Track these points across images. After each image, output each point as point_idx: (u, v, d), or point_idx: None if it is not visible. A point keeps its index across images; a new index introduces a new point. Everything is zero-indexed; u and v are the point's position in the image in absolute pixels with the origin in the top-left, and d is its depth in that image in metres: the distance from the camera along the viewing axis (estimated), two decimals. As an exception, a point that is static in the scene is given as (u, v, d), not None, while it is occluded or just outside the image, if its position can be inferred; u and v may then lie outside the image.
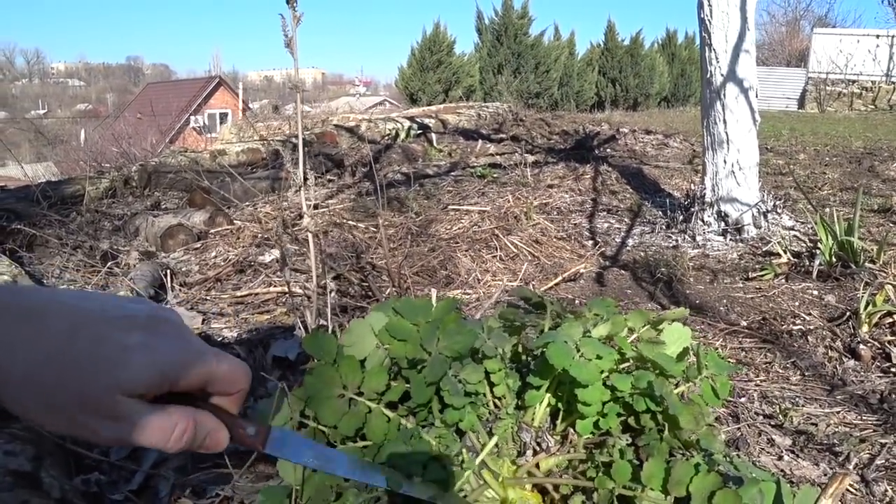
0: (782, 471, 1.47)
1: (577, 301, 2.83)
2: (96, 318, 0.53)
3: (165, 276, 3.12)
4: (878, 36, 19.18)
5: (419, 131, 7.51)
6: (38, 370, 0.50)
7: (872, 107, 18.62)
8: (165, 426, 0.54)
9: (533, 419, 1.18)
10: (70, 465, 1.31)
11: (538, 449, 1.17)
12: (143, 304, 0.58)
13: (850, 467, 1.47)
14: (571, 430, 1.20)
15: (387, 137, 7.16)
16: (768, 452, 1.55)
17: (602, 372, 1.13)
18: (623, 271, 3.30)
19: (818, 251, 3.20)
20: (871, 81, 19.19)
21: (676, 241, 3.91)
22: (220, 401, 0.61)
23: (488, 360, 1.13)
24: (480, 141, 7.03)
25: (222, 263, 3.40)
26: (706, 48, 4.03)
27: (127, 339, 0.52)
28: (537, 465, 1.15)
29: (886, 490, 1.39)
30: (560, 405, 1.19)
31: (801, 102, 20.15)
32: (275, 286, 2.97)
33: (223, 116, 29.33)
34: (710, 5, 3.93)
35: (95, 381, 0.51)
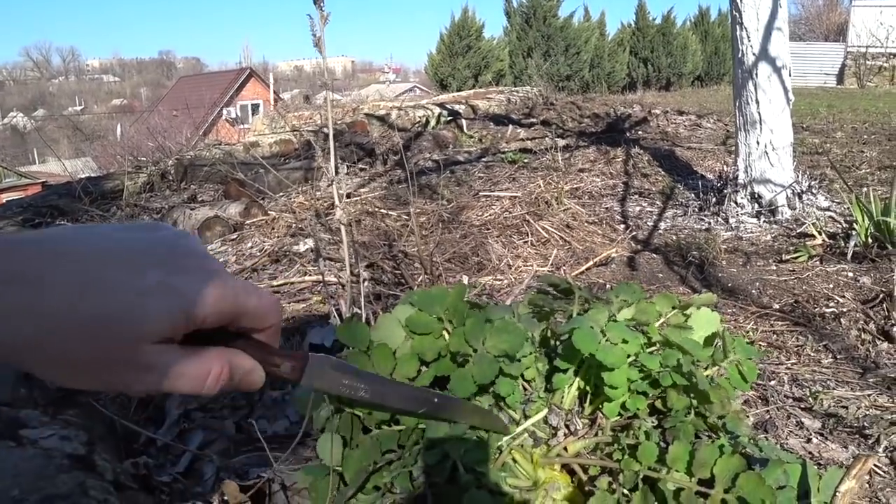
0: (810, 453, 1.48)
1: (607, 286, 2.84)
2: (105, 260, 0.48)
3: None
4: (920, 7, 18.60)
5: (449, 118, 7.53)
6: (49, 339, 0.46)
7: (915, 81, 18.09)
8: (199, 372, 0.51)
9: (562, 402, 1.22)
10: (120, 449, 1.38)
11: (567, 432, 1.20)
12: (161, 233, 0.53)
13: (880, 450, 1.48)
14: (599, 413, 1.23)
15: (417, 125, 7.19)
16: (797, 435, 1.57)
17: (628, 356, 1.15)
18: (654, 255, 3.30)
19: (854, 232, 3.16)
20: (914, 55, 18.64)
21: (709, 223, 3.89)
22: (255, 336, 0.57)
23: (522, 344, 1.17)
24: (511, 126, 7.02)
25: (258, 254, 3.47)
26: (737, 27, 3.97)
27: (142, 282, 0.48)
28: (565, 448, 1.18)
29: (916, 471, 1.39)
30: (588, 388, 1.22)
31: (840, 78, 19.65)
32: (310, 275, 3.03)
33: (255, 107, 29.62)
34: (740, -17, 3.88)
35: (115, 337, 0.47)
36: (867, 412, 1.68)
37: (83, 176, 5.94)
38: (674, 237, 3.60)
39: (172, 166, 5.41)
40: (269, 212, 4.17)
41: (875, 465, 1.41)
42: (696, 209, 4.14)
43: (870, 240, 3.09)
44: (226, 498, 1.12)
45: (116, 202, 4.75)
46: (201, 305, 0.50)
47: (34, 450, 1.13)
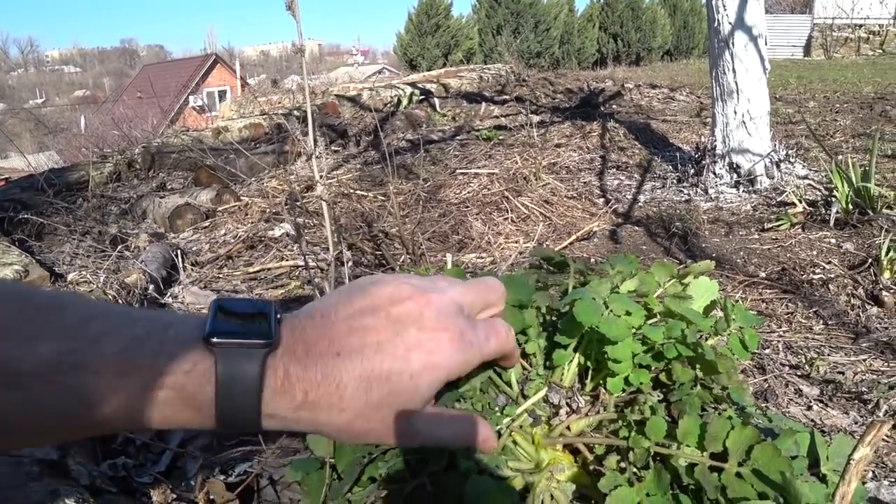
0: (812, 421, 1.45)
1: (592, 260, 2.80)
2: (376, 364, 0.50)
3: (176, 256, 3.11)
4: (884, -23, 18.77)
5: (421, 97, 7.42)
6: (349, 427, 0.51)
7: (880, 51, 18.26)
8: (471, 431, 0.58)
9: (562, 379, 1.16)
10: (96, 451, 1.30)
11: (569, 410, 1.15)
12: (383, 307, 0.53)
13: (881, 414, 1.46)
14: (601, 390, 1.18)
15: (389, 105, 7.08)
16: (797, 403, 1.54)
17: (631, 328, 1.10)
18: (637, 228, 3.27)
19: (834, 199, 3.15)
20: (879, 25, 18.81)
21: (688, 194, 3.87)
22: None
23: (526, 310, 1.12)
24: (484, 103, 6.94)
25: (232, 240, 3.38)
26: (712, -4, 3.93)
27: (410, 367, 0.51)
28: (568, 427, 1.13)
29: (920, 435, 1.37)
30: (589, 364, 1.17)
31: (807, 50, 19.80)
32: (287, 260, 2.95)
33: (222, 94, 29.12)
34: (714, -49, 3.83)
35: (395, 413, 0.51)
36: (864, 377, 1.66)
37: (46, 169, 5.75)
38: (654, 209, 3.57)
39: (139, 154, 5.26)
40: (242, 197, 4.06)
41: (879, 431, 1.38)
42: (675, 181, 4.11)
43: (850, 206, 3.08)
44: (212, 497, 1.06)
45: (82, 193, 4.60)
46: (458, 371, 0.54)
47: (1, 457, 1.05)
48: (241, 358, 0.46)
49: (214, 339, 0.45)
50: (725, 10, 3.87)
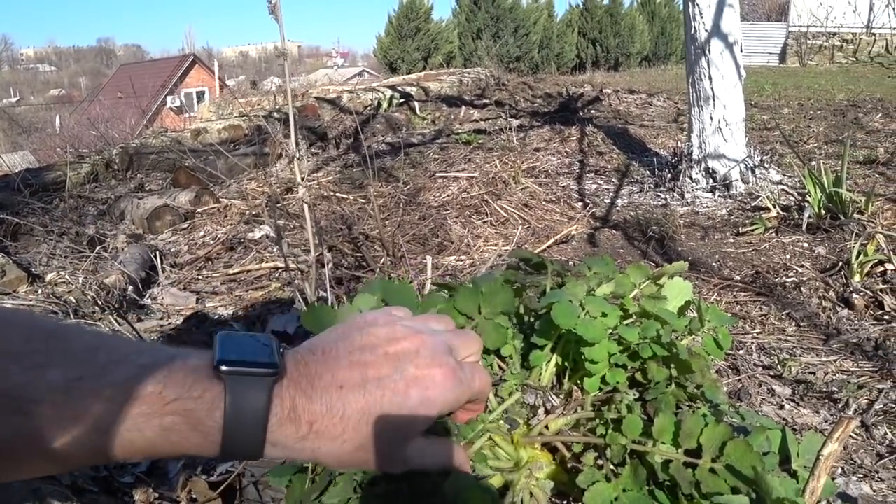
0: (784, 419, 1.49)
1: (570, 262, 2.83)
2: (378, 398, 0.52)
3: (155, 257, 3.09)
4: (858, -13, 19.09)
5: (401, 100, 7.43)
6: (347, 457, 0.53)
7: (853, 59, 18.57)
8: (452, 456, 0.64)
9: (540, 379, 1.19)
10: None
11: (546, 410, 1.17)
12: (404, 343, 0.56)
13: (850, 413, 1.49)
14: (577, 389, 1.21)
15: (369, 108, 7.09)
16: (769, 402, 1.57)
17: (607, 329, 1.13)
18: (614, 231, 3.31)
19: (807, 204, 3.21)
20: (852, 34, 19.13)
21: (665, 199, 3.92)
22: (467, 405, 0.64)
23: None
24: (464, 107, 6.98)
25: (211, 242, 3.37)
26: (689, 3, 3.99)
27: (409, 402, 0.53)
28: (546, 426, 1.15)
29: (886, 433, 1.41)
30: (566, 364, 1.19)
31: (783, 57, 20.09)
32: (267, 262, 2.95)
33: (200, 95, 28.89)
34: (691, -41, 3.89)
35: (392, 441, 0.54)
36: (834, 377, 1.70)
37: (22, 168, 5.68)
38: (632, 213, 3.61)
39: (117, 155, 5.22)
40: (221, 199, 4.05)
41: (847, 429, 1.42)
42: (652, 185, 4.17)
43: (823, 211, 3.14)
44: (194, 496, 1.06)
45: (59, 194, 4.55)
46: (450, 408, 0.57)
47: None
48: (249, 386, 0.47)
49: (224, 368, 0.47)
50: (702, 17, 3.94)
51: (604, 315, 1.11)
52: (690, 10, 3.99)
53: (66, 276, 2.73)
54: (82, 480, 1.09)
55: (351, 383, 0.52)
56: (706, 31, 3.94)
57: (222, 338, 0.50)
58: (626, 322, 1.23)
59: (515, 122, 5.92)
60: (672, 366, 1.16)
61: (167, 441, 0.46)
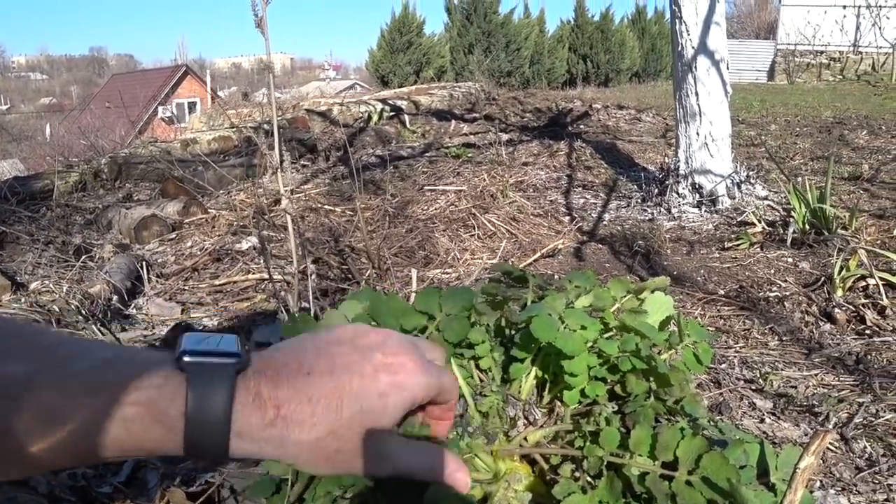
0: (764, 433, 1.50)
1: (556, 276, 2.84)
2: (346, 382, 0.52)
3: (141, 267, 3.08)
4: (844, 7, 19.29)
5: (392, 113, 7.46)
6: (321, 448, 0.51)
7: (840, 77, 18.77)
8: (431, 461, 0.59)
9: (519, 392, 1.19)
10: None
11: (526, 422, 1.17)
12: (373, 337, 0.57)
13: (830, 426, 1.51)
14: (558, 402, 1.21)
15: (359, 121, 7.10)
16: (750, 416, 1.58)
17: (587, 342, 1.13)
18: (601, 245, 3.33)
19: (792, 219, 3.24)
20: (839, 52, 19.34)
21: (652, 214, 3.94)
22: (437, 411, 0.63)
23: (472, 330, 1.14)
24: (454, 121, 7.00)
25: (198, 253, 3.36)
26: (677, 21, 4.04)
27: (379, 385, 0.52)
28: (525, 438, 1.15)
29: (865, 447, 1.42)
30: (546, 377, 1.20)
31: (771, 74, 20.31)
32: (253, 273, 2.95)
33: (192, 106, 28.88)
34: (679, -22, 3.94)
35: (365, 433, 0.52)
36: (815, 391, 1.71)
37: (9, 176, 5.65)
38: (619, 228, 3.63)
39: (106, 164, 5.20)
40: (210, 210, 4.04)
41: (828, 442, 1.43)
42: (640, 200, 4.19)
43: (807, 226, 3.17)
44: (171, 505, 1.06)
45: (46, 203, 4.54)
46: (423, 393, 0.56)
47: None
48: (212, 375, 0.46)
49: (186, 358, 0.46)
50: (689, 34, 3.98)
51: (583, 328, 1.12)
52: (678, 27, 4.03)
53: (51, 285, 2.71)
54: (59, 489, 1.08)
55: (319, 370, 0.51)
56: (693, 48, 3.98)
57: (187, 336, 0.50)
58: (606, 335, 1.23)
59: (505, 137, 5.95)
60: (651, 379, 1.17)
61: (129, 434, 0.45)
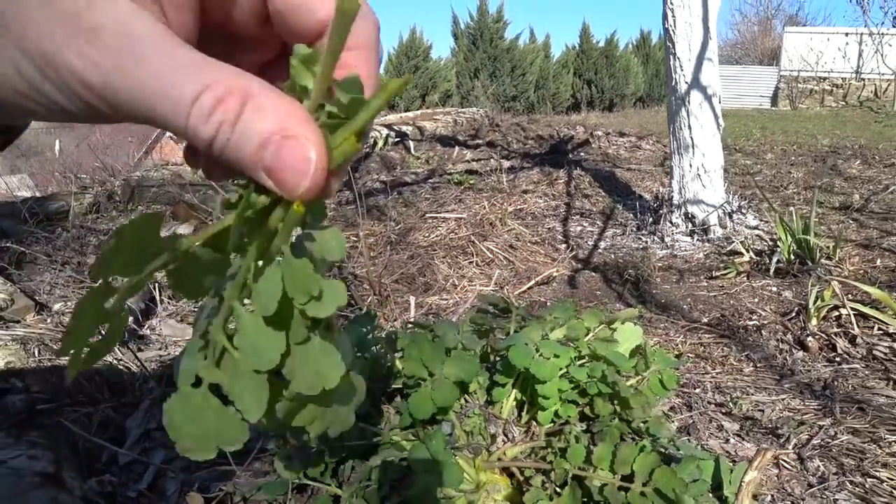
0: (728, 452, 1.63)
1: (548, 303, 2.98)
2: None
3: (154, 288, 3.23)
4: (847, 34, 19.55)
5: (397, 139, 7.65)
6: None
7: (843, 103, 18.99)
8: (188, 81, 0.32)
9: (501, 412, 1.34)
10: (83, 469, 1.44)
11: (506, 439, 1.32)
12: None
13: (790, 447, 1.64)
14: (534, 422, 1.36)
15: (365, 146, 7.29)
16: (717, 437, 1.72)
17: (560, 369, 1.28)
18: (594, 273, 3.47)
19: (777, 249, 3.38)
20: (842, 78, 19.57)
21: (646, 242, 4.09)
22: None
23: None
24: (457, 147, 7.19)
25: (209, 275, 3.51)
26: (671, 57, 4.21)
27: None
28: (505, 453, 1.30)
29: (819, 466, 1.55)
30: (525, 398, 1.35)
31: (774, 100, 20.52)
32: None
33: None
34: (673, 16, 4.11)
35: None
36: (780, 414, 1.85)
37: (26, 195, 5.84)
38: (612, 256, 3.78)
39: (120, 187, 5.39)
40: (220, 233, 4.20)
41: (784, 460, 1.57)
42: (635, 228, 4.34)
43: (792, 256, 3.31)
44: (193, 507, 1.20)
45: (62, 223, 4.71)
46: None
47: (4, 469, 1.19)
48: None
49: None
50: (682, 70, 4.15)
51: (556, 356, 1.27)
52: (671, 63, 4.20)
53: (73, 306, 2.87)
54: (91, 494, 1.23)
55: None
56: (686, 83, 4.15)
57: None
58: (579, 363, 1.38)
59: (506, 164, 6.13)
60: (616, 402, 1.32)
61: None
